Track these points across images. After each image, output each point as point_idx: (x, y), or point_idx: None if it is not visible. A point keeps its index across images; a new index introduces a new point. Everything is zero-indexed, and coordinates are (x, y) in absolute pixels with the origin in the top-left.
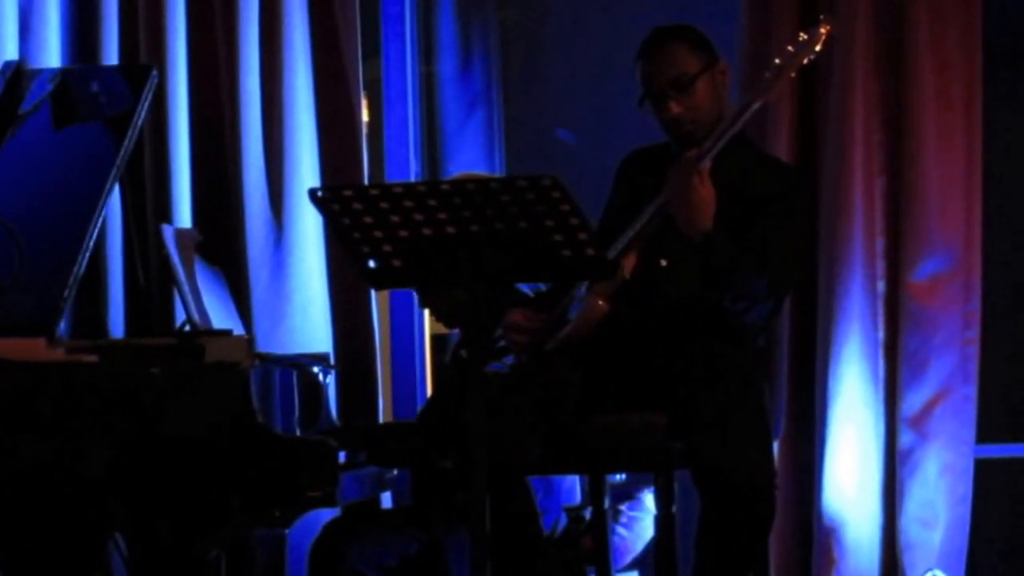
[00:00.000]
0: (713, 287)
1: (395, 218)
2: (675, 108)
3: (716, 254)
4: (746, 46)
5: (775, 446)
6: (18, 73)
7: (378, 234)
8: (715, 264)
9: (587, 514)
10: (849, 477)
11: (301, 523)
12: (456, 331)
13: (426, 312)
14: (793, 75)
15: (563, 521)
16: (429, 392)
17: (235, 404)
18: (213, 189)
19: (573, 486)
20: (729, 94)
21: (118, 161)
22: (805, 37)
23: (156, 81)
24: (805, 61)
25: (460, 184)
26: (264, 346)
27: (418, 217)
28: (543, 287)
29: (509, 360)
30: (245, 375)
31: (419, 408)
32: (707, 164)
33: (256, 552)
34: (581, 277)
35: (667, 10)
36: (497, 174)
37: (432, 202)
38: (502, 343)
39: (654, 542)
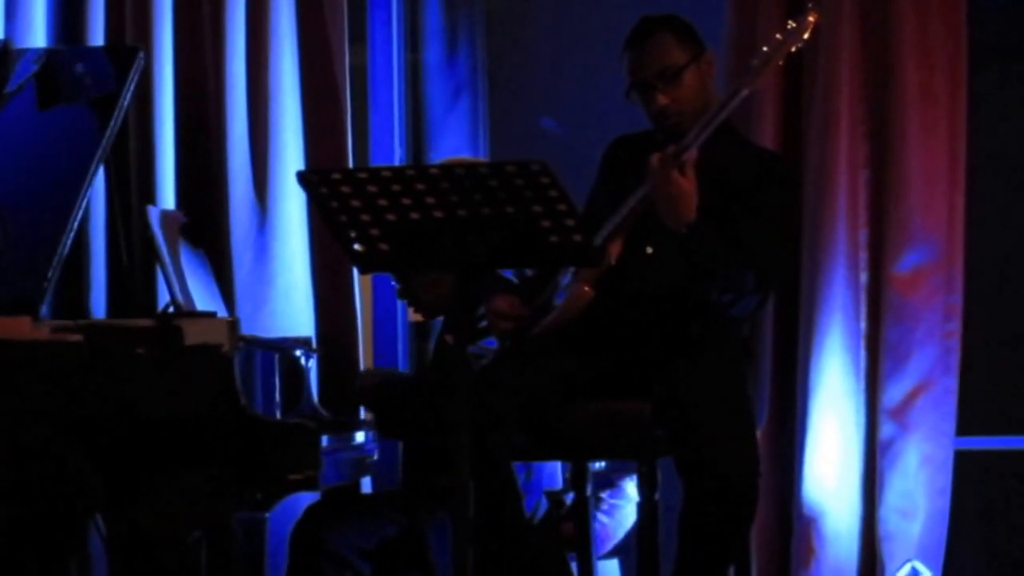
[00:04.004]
0: (699, 281)
1: (383, 202)
2: (662, 99)
3: (701, 246)
4: (732, 34)
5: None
6: (3, 53)
7: (365, 217)
8: (701, 257)
9: (568, 499)
10: (829, 468)
11: (281, 506)
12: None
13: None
14: (780, 63)
15: (544, 505)
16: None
17: (218, 386)
18: (198, 172)
19: (554, 471)
20: (715, 83)
21: (103, 142)
22: (793, 25)
23: (142, 63)
24: (792, 49)
25: (448, 168)
26: (247, 329)
27: (406, 201)
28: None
29: (489, 343)
30: (229, 357)
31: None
32: (692, 154)
33: (236, 535)
34: (568, 263)
35: None
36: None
37: (420, 186)
38: (483, 324)
39: (636, 529)
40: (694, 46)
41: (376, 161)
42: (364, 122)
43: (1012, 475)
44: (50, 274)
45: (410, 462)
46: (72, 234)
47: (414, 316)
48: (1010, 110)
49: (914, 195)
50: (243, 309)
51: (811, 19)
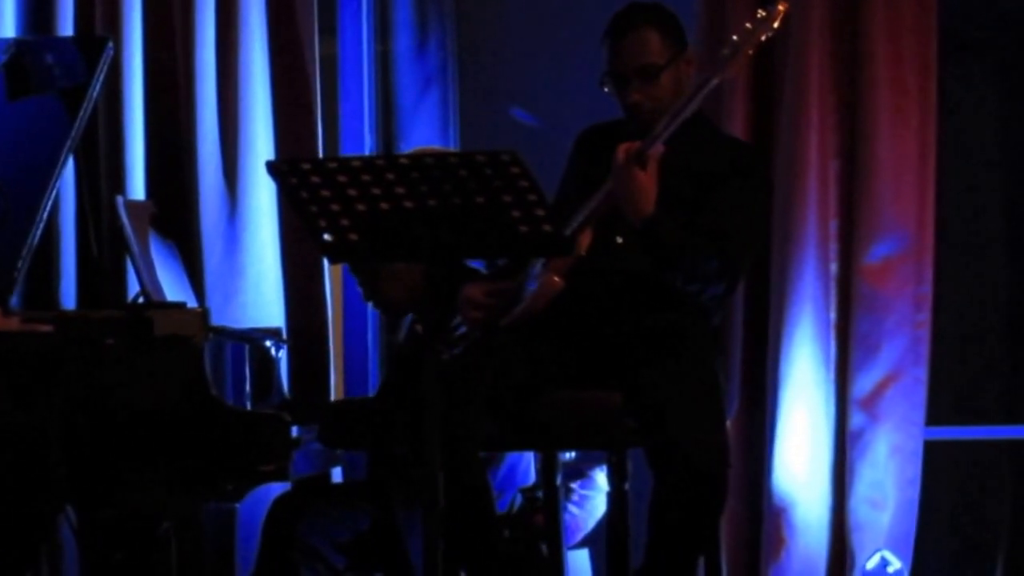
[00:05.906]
0: (662, 270)
1: (352, 192)
2: (636, 96)
3: (659, 239)
4: (703, 23)
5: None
6: None
7: (335, 207)
8: (659, 248)
9: (541, 494)
10: (799, 458)
11: (251, 498)
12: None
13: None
14: (751, 53)
15: (519, 501)
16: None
17: (189, 377)
18: (167, 162)
19: (528, 467)
20: (691, 80)
21: (72, 133)
22: (763, 14)
23: (112, 53)
24: (763, 38)
25: (418, 159)
26: (217, 320)
27: (375, 191)
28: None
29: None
30: (199, 348)
31: (375, 389)
32: (659, 149)
33: (206, 526)
34: (538, 253)
35: None
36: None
37: (390, 176)
38: (462, 330)
39: (606, 520)
40: (677, 45)
41: (346, 151)
42: (334, 112)
43: (981, 465)
44: (19, 265)
45: (375, 462)
46: (41, 225)
47: None
48: (980, 101)
49: (884, 186)
50: (213, 300)
51: (781, 8)
